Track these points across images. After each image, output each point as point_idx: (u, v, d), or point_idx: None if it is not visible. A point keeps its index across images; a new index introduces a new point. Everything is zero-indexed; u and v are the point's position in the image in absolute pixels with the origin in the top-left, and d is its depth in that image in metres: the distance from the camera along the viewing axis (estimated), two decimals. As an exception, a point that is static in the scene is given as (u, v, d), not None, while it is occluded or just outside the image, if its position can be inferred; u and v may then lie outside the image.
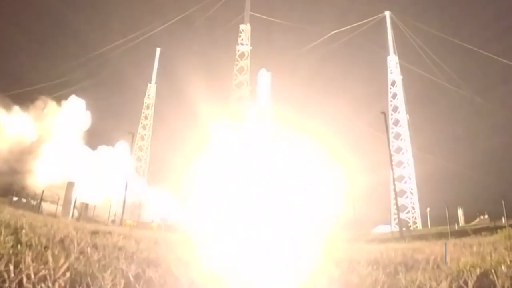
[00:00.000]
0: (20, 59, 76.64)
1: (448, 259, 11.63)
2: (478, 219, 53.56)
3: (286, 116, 65.76)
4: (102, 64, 74.77)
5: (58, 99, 71.41)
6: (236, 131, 64.12)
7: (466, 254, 13.13)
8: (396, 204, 53.56)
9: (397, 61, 71.58)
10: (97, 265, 7.99)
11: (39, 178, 60.82)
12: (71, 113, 71.25)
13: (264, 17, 70.52)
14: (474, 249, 14.75)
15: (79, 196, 52.51)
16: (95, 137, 72.21)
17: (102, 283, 6.41)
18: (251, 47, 71.59)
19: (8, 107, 65.65)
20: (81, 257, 8.62)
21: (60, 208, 47.80)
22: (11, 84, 69.45)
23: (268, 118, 64.25)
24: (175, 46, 79.74)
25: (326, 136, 65.55)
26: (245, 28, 72.41)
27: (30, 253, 7.34)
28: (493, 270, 8.08)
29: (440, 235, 30.02)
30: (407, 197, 64.96)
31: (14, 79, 71.38)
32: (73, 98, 72.15)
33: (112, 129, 74.84)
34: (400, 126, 68.25)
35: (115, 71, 75.87)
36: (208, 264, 8.72)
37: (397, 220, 55.92)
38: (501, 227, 28.50)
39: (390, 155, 56.04)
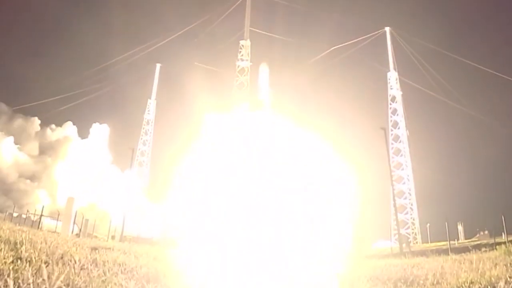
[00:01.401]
0: (21, 73, 76.71)
1: (448, 275, 11.64)
2: (478, 235, 53.39)
3: (285, 129, 66.05)
4: (102, 80, 74.65)
5: (59, 114, 71.93)
6: (234, 128, 64.40)
7: (466, 270, 13.13)
8: (396, 219, 53.39)
9: (397, 77, 71.67)
10: (97, 281, 8.01)
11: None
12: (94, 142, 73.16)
13: (264, 32, 70.70)
14: (474, 265, 14.75)
15: (80, 210, 52.63)
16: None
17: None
18: (251, 63, 71.78)
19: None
20: (81, 272, 8.64)
21: (60, 223, 47.79)
22: (14, 97, 69.96)
23: (267, 116, 64.47)
24: (175, 62, 79.88)
25: (326, 154, 65.90)
26: (245, 44, 72.57)
27: (30, 269, 7.37)
28: (492, 286, 8.09)
29: (440, 251, 30.00)
30: (407, 212, 64.83)
31: (15, 92, 71.72)
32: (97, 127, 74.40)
33: (112, 144, 75.30)
34: (400, 141, 68.27)
35: (115, 87, 75.88)
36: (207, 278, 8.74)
37: (397, 236, 55.82)
38: (501, 243, 28.46)
39: (390, 171, 55.98)
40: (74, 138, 73.45)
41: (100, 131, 75.16)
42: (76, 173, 68.43)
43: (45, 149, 70.08)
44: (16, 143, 68.31)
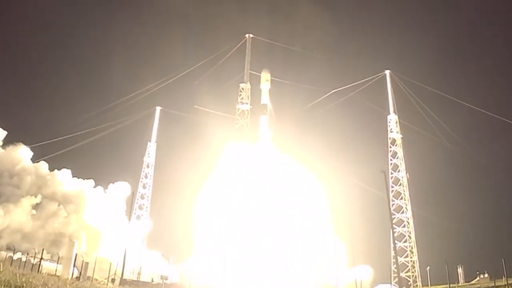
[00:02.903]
0: (18, 114, 77.28)
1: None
2: (478, 278, 53.27)
3: (286, 172, 66.62)
4: (101, 122, 75.26)
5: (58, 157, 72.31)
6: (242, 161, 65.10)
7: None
8: (396, 262, 53.36)
9: (397, 119, 72.12)
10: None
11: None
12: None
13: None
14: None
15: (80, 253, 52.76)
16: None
17: None
18: (251, 106, 72.44)
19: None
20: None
21: (60, 266, 47.87)
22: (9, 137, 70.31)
23: (268, 158, 65.22)
24: (175, 105, 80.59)
25: (325, 196, 66.37)
26: (245, 87, 73.25)
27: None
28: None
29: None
30: (407, 255, 64.56)
31: (15, 133, 72.18)
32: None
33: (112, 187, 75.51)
34: (400, 184, 68.43)
35: (115, 129, 76.36)
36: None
37: (397, 279, 55.65)
38: (501, 286, 28.55)
39: (390, 214, 56.23)
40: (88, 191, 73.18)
41: (121, 189, 75.42)
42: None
43: (56, 199, 69.65)
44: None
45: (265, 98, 70.35)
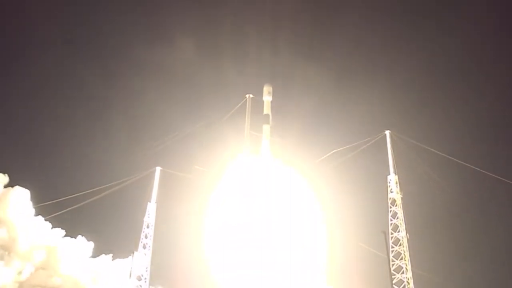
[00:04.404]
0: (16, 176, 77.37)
1: None
2: None
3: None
4: (99, 184, 75.56)
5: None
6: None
7: None
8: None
9: (397, 180, 72.08)
10: None
11: None
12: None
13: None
14: None
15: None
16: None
17: None
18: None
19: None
20: None
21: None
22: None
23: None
24: (175, 165, 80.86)
25: (325, 259, 65.78)
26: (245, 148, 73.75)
27: None
28: None
29: None
30: (408, 318, 63.58)
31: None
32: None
33: (111, 247, 75.10)
34: (400, 245, 67.78)
35: (114, 190, 76.49)
36: None
37: None
38: None
39: (390, 275, 55.65)
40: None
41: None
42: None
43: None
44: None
45: (267, 109, 73.62)
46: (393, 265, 64.23)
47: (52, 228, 71.74)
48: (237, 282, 60.31)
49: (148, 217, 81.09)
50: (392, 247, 67.24)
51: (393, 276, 60.79)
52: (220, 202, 66.80)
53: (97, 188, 74.92)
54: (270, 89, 74.09)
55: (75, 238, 73.12)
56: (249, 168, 69.08)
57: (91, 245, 74.16)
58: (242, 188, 67.07)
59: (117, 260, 74.59)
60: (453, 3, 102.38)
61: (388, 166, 72.85)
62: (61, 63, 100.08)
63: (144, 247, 79.33)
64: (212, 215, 67.05)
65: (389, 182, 72.33)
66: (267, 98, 73.58)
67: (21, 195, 70.17)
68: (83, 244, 73.56)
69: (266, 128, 71.51)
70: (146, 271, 76.59)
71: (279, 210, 65.04)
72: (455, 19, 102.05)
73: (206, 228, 66.18)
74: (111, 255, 74.94)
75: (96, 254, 74.74)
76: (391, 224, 69.44)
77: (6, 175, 70.40)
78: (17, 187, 70.61)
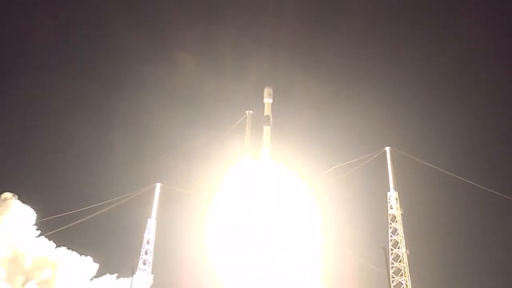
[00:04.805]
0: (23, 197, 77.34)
1: None
2: None
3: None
4: (99, 200, 75.75)
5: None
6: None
7: None
8: None
9: (397, 196, 72.17)
10: None
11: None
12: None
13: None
14: None
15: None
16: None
17: None
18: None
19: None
20: None
21: None
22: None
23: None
24: (176, 181, 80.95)
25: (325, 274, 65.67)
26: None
27: None
28: None
29: None
30: (407, 335, 63.42)
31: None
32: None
33: (112, 263, 74.87)
34: (400, 261, 67.70)
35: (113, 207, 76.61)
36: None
37: None
38: None
39: (390, 291, 55.52)
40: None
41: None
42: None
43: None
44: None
45: (267, 111, 74.12)
46: (393, 281, 64.21)
47: (50, 241, 71.39)
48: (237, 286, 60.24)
49: (148, 233, 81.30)
50: (392, 263, 67.23)
51: (393, 293, 60.78)
52: (221, 205, 66.68)
53: (98, 204, 75.21)
54: (271, 91, 74.79)
55: (76, 251, 72.79)
56: (249, 172, 69.14)
57: (95, 266, 73.71)
58: (242, 191, 67.10)
59: (121, 279, 74.10)
60: (450, 23, 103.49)
61: (388, 182, 72.99)
62: (65, 82, 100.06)
63: (144, 263, 79.32)
64: (213, 221, 66.91)
65: (389, 198, 72.46)
66: (267, 100, 74.17)
67: (25, 213, 70.08)
68: (85, 263, 73.12)
69: (266, 129, 71.83)
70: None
71: (279, 214, 65.05)
72: (454, 38, 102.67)
73: (207, 243, 65.99)
74: (116, 274, 74.44)
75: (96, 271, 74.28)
76: (391, 240, 69.44)
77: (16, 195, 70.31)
78: (21, 204, 70.55)
